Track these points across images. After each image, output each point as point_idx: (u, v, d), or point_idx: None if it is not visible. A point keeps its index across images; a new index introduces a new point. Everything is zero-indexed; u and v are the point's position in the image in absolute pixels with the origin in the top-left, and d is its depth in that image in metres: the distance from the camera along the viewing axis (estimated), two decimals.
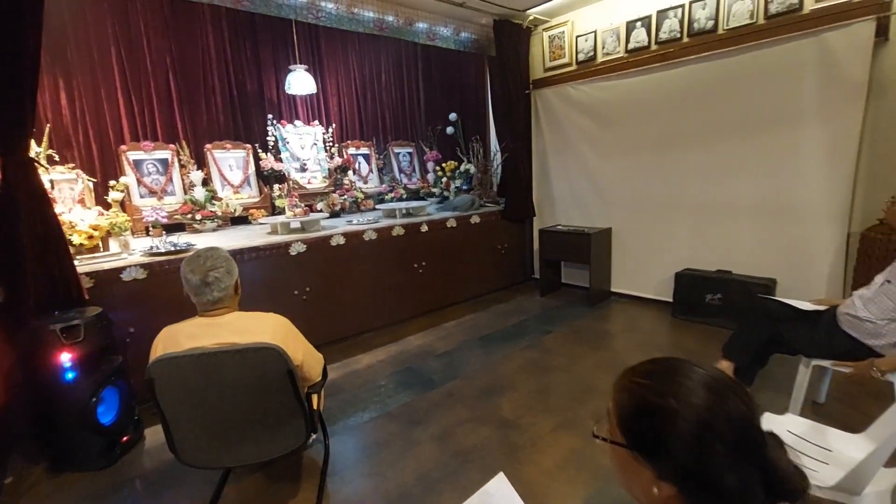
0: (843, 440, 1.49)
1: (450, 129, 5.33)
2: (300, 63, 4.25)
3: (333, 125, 4.80)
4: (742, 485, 0.59)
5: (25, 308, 2.12)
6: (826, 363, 2.05)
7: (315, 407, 1.85)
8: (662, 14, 3.69)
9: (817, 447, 1.50)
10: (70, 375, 2.08)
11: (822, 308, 2.21)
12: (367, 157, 5.12)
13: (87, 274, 2.47)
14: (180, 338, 1.54)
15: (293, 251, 3.23)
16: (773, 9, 3.12)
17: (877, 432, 1.46)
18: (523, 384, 2.79)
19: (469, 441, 2.25)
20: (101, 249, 2.85)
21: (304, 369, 1.70)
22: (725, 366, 2.45)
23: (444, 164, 5.14)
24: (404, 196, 5.00)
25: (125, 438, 2.29)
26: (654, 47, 3.78)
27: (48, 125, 3.02)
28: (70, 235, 2.65)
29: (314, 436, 2.03)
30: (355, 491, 1.97)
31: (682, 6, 3.56)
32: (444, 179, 5.10)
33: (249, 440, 1.67)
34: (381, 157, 5.27)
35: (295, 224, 3.57)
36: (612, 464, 0.72)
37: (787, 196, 3.23)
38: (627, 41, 3.93)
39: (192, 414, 1.58)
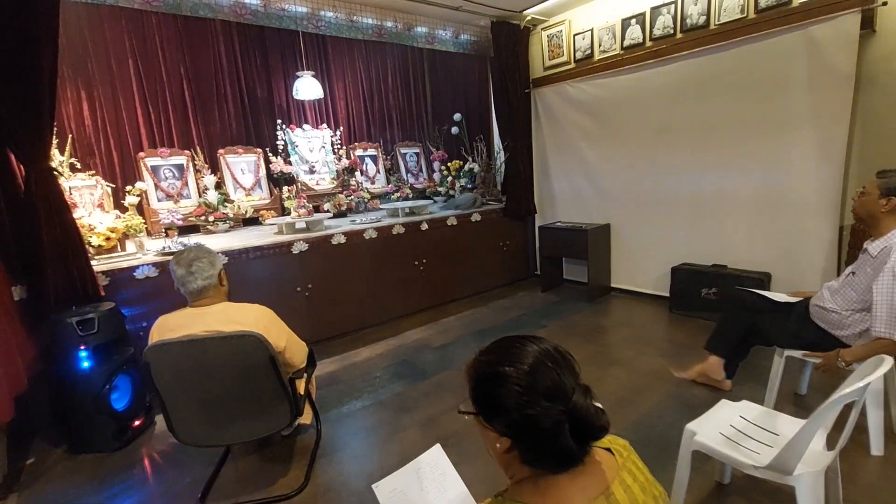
0: (791, 425, 1.55)
1: (455, 130, 5.43)
2: (307, 69, 4.42)
3: (341, 128, 4.97)
4: (555, 426, 0.71)
5: (45, 304, 2.34)
6: (798, 353, 2.09)
7: (301, 392, 2.00)
8: (656, 10, 3.71)
9: (766, 431, 1.56)
10: (86, 364, 2.29)
11: (795, 300, 2.24)
12: (374, 158, 5.27)
13: (103, 272, 2.68)
14: (172, 326, 1.71)
15: (295, 250, 3.40)
16: (762, 3, 3.12)
17: None
18: None
19: (451, 427, 2.37)
20: (119, 250, 3.08)
21: (286, 356, 1.85)
22: (714, 361, 2.49)
23: (449, 164, 5.26)
24: (410, 196, 5.13)
25: (137, 423, 2.50)
26: (648, 44, 3.81)
27: (70, 135, 3.28)
28: (89, 237, 2.89)
29: (300, 418, 2.18)
30: (341, 471, 2.12)
31: (675, 2, 3.58)
32: (450, 178, 5.22)
33: (239, 420, 1.83)
34: (389, 157, 5.42)
35: (300, 224, 3.74)
36: (480, 434, 0.83)
37: (780, 190, 3.22)
38: (623, 38, 3.97)
39: (186, 395, 1.75)
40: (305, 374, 2.09)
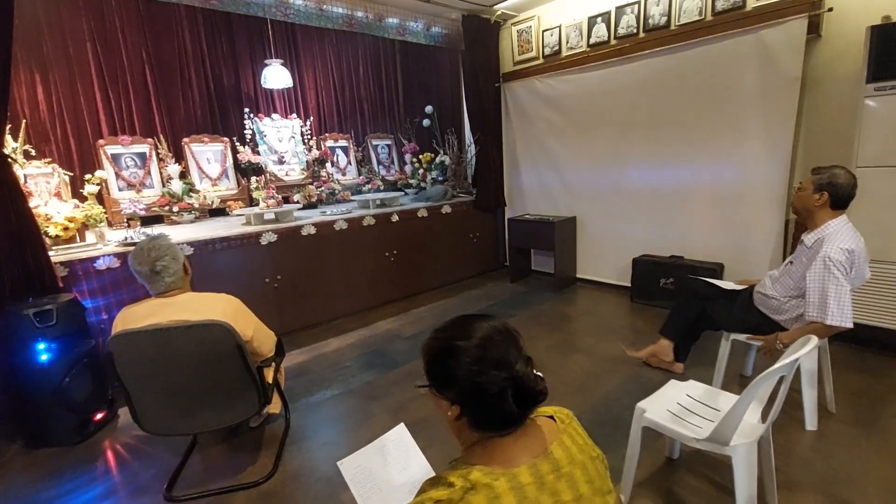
0: (732, 401, 1.66)
1: (426, 122, 5.46)
2: (276, 57, 4.35)
3: (311, 118, 4.91)
4: (499, 392, 0.79)
5: (1, 295, 2.26)
6: (741, 337, 2.24)
7: (269, 380, 2.02)
8: (620, 10, 3.83)
9: (709, 408, 1.68)
10: (44, 357, 2.23)
11: (741, 288, 2.39)
12: (345, 150, 5.24)
13: (61, 263, 2.61)
14: (138, 316, 1.70)
15: (264, 241, 3.38)
16: (719, 6, 3.27)
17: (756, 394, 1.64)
18: None
19: (420, 413, 2.43)
20: (78, 240, 2.99)
21: (254, 344, 1.86)
22: (665, 344, 2.64)
23: (420, 156, 5.28)
24: (381, 187, 5.13)
25: (99, 417, 2.45)
26: (613, 42, 3.93)
27: (24, 121, 3.14)
28: (46, 227, 2.79)
29: (269, 408, 2.20)
30: (310, 457, 2.15)
31: (639, 2, 3.70)
32: (421, 171, 5.25)
33: (207, 408, 1.83)
34: (360, 149, 5.39)
35: (269, 215, 3.71)
36: (434, 406, 0.90)
37: (732, 185, 3.41)
38: (589, 36, 4.08)
39: (152, 385, 1.74)
40: (274, 363, 2.11)
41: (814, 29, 2.88)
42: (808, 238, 2.01)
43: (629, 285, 3.99)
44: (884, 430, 2.10)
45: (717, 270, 3.44)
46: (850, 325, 1.84)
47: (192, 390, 1.76)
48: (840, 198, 1.92)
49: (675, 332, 2.59)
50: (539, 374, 0.83)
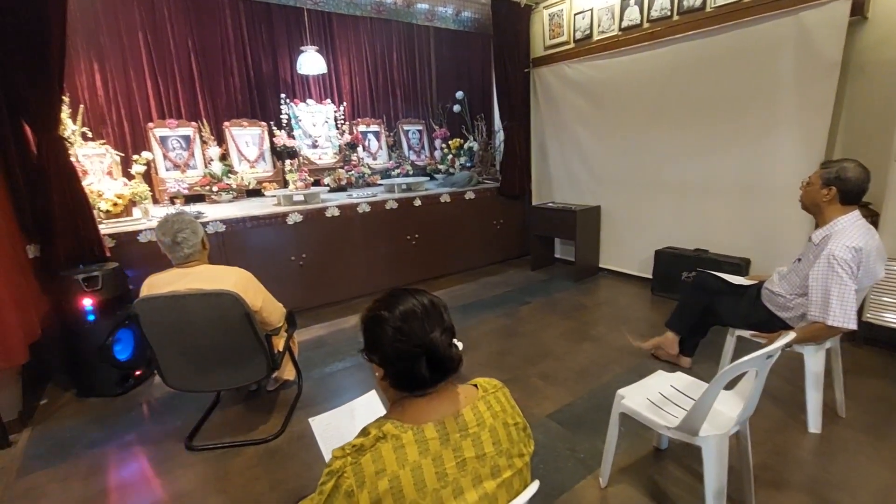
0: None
1: (456, 108, 5.49)
2: (312, 44, 4.50)
3: (345, 103, 5.06)
4: (414, 358, 0.88)
5: (56, 262, 2.57)
6: (746, 333, 2.19)
7: (279, 348, 2.19)
8: None
9: (691, 399, 1.68)
10: (91, 318, 2.52)
11: (750, 283, 2.33)
12: (377, 135, 5.38)
13: (109, 235, 2.90)
14: (160, 283, 1.90)
15: (290, 221, 3.57)
16: None
17: (740, 388, 1.64)
18: (487, 346, 3.06)
19: None
20: (126, 215, 3.30)
21: (263, 315, 2.03)
22: (671, 337, 2.62)
23: (449, 142, 5.34)
24: (411, 172, 5.24)
25: (138, 373, 2.74)
26: (645, 25, 3.79)
27: (82, 105, 3.47)
28: (98, 203, 3.10)
29: (284, 375, 2.40)
30: None
31: None
32: (450, 156, 5.30)
33: (220, 369, 2.03)
34: (392, 134, 5.51)
35: (298, 196, 3.91)
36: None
37: (762, 176, 3.25)
38: (621, 19, 3.95)
39: (172, 345, 1.95)
40: (286, 333, 2.28)
41: (858, 10, 2.68)
42: (816, 235, 1.93)
43: (651, 277, 3.91)
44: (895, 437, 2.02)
45: (743, 266, 3.31)
46: (854, 327, 1.77)
47: (206, 352, 1.96)
48: (849, 193, 1.83)
49: (680, 325, 2.56)
50: (457, 343, 0.91)
